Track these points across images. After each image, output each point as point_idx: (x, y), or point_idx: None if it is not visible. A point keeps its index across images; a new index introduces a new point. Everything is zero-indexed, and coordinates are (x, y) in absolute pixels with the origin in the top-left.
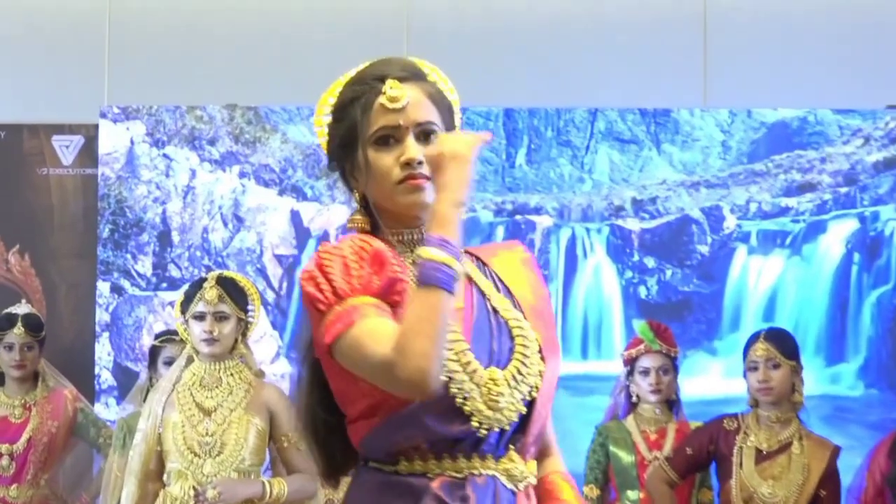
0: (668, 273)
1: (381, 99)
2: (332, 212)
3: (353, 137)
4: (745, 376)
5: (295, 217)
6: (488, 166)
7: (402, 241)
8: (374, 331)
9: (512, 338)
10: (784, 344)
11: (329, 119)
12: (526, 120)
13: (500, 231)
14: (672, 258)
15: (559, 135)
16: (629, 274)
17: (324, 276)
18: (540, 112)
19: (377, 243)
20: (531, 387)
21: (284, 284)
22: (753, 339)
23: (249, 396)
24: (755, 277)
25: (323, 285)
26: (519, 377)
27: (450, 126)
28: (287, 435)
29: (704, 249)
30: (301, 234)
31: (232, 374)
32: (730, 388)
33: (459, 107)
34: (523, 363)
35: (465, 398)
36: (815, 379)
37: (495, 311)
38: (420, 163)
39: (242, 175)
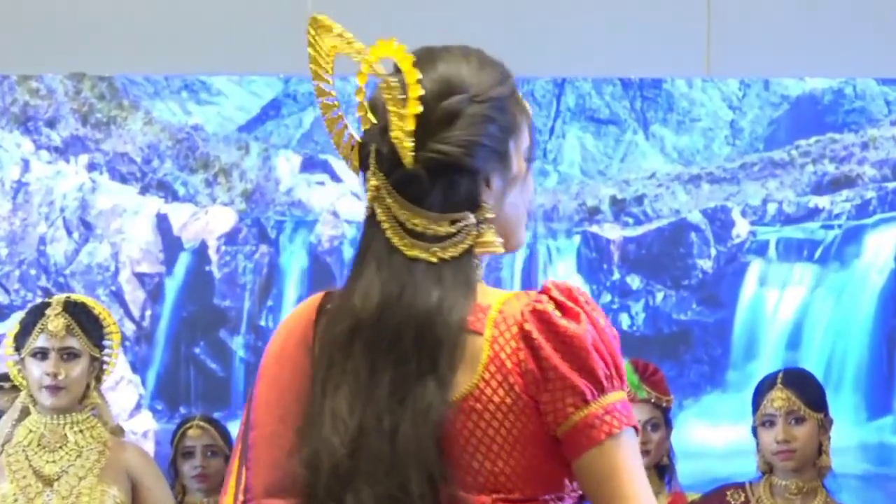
0: (660, 296)
1: None
2: (213, 216)
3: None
4: (754, 434)
5: (162, 223)
6: None
7: None
8: None
9: None
10: (808, 390)
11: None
12: None
13: None
14: (664, 276)
15: None
16: (607, 297)
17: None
18: None
19: None
20: None
21: (148, 314)
22: (768, 384)
23: (104, 460)
24: (774, 301)
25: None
26: None
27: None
28: None
29: (707, 265)
30: (170, 245)
31: (81, 432)
32: (739, 450)
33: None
34: None
35: None
36: (852, 435)
37: None
38: None
39: (92, 167)
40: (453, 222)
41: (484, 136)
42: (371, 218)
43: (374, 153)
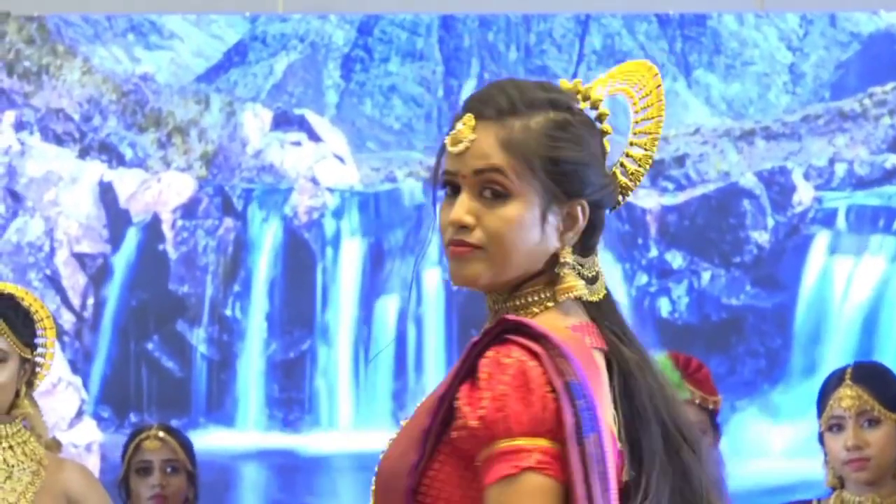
0: (706, 276)
1: (447, 137)
2: (167, 183)
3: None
4: (820, 441)
5: (106, 193)
6: (416, 108)
7: (488, 314)
8: None
9: None
10: (883, 387)
11: None
12: (476, 34)
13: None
14: (711, 252)
15: (529, 56)
16: (643, 278)
17: None
18: (498, 21)
19: None
20: (372, 489)
21: (90, 302)
22: (835, 380)
23: (39, 482)
24: (844, 282)
25: None
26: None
27: (562, 179)
28: None
29: (763, 238)
30: (116, 219)
31: (11, 448)
32: (803, 464)
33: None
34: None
35: None
36: None
37: None
38: (465, 227)
39: (20, 126)
40: None
41: None
42: None
43: None
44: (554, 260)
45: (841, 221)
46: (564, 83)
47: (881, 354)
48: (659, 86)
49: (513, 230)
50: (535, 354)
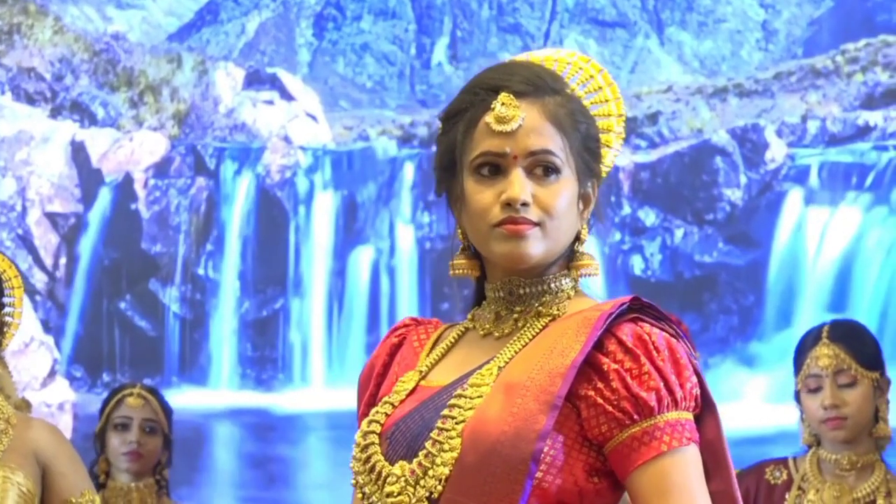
0: (679, 234)
1: (488, 117)
2: (139, 142)
3: (453, 159)
4: (797, 399)
5: (78, 152)
6: (389, 67)
7: (501, 297)
8: None
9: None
10: (860, 345)
11: (440, 126)
12: None
13: (408, 170)
14: (684, 210)
15: (502, 14)
16: (616, 235)
17: None
18: None
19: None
20: (439, 480)
21: (63, 262)
22: (811, 339)
23: (7, 441)
24: (817, 238)
25: None
26: (421, 470)
27: (588, 158)
28: (71, 500)
29: (736, 195)
30: (88, 179)
31: None
32: (778, 417)
33: (623, 126)
34: (432, 451)
35: (369, 502)
36: None
37: (446, 387)
38: (525, 204)
39: None
40: None
41: None
42: None
43: None
44: (576, 240)
45: (814, 178)
46: None
47: (854, 311)
48: (611, 85)
49: (563, 206)
50: (674, 333)
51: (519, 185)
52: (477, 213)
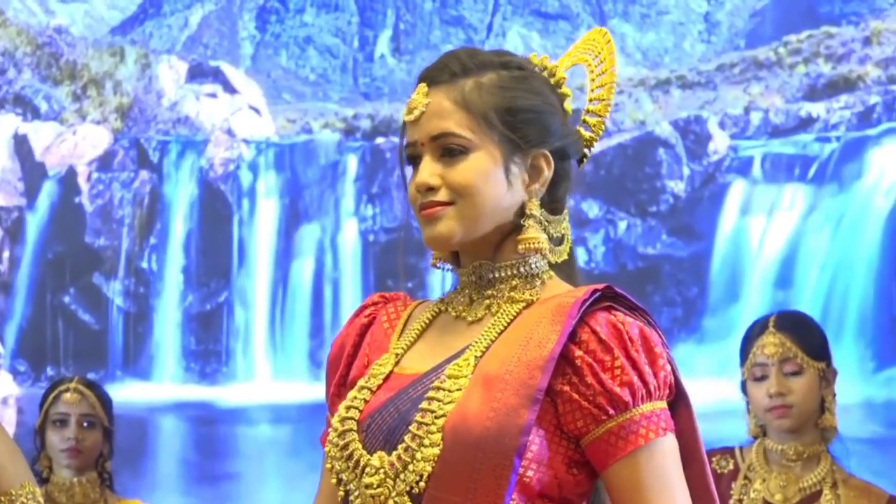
0: (622, 226)
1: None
2: (82, 136)
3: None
4: (743, 390)
5: (21, 145)
6: (332, 60)
7: (473, 281)
8: None
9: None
10: (806, 335)
11: None
12: None
13: (351, 162)
14: (627, 202)
15: (444, 7)
16: None
17: None
18: None
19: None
20: (420, 476)
21: (5, 255)
22: (758, 328)
23: None
24: (760, 231)
25: None
26: (401, 464)
27: (519, 130)
28: (10, 492)
29: (679, 187)
30: (31, 172)
31: None
32: (725, 400)
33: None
34: (412, 446)
35: (347, 492)
36: (856, 391)
37: (426, 375)
38: (432, 188)
39: None
40: None
41: None
42: None
43: None
44: (523, 215)
45: (756, 170)
46: (534, 57)
47: (796, 304)
48: (612, 53)
49: (477, 181)
50: (647, 321)
51: (423, 170)
52: (410, 203)
